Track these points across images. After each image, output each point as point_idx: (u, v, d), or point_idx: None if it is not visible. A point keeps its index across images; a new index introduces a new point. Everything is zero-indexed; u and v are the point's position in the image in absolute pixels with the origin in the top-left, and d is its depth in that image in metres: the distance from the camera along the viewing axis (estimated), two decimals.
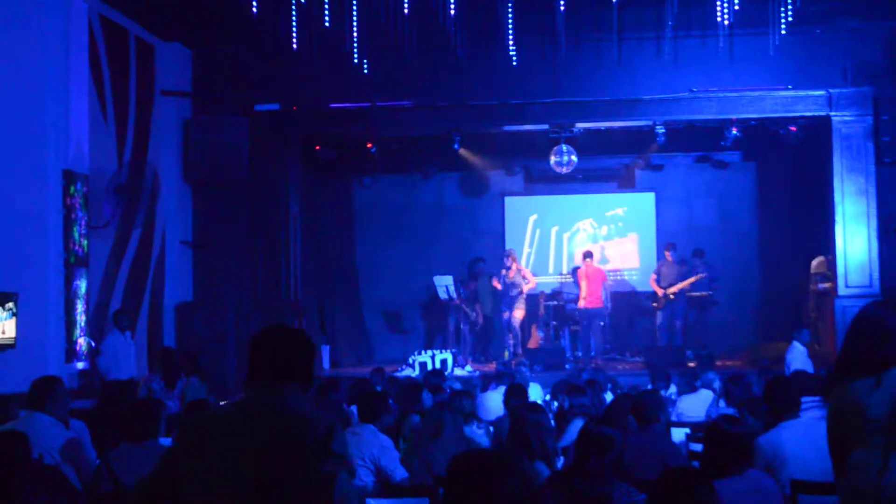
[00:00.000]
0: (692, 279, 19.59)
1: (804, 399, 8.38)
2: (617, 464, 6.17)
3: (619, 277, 21.94)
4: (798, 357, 15.38)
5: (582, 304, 19.85)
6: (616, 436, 6.27)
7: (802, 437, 6.93)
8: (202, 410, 5.27)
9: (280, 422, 4.12)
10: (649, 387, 12.95)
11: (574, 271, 20.94)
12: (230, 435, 4.10)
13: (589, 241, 22.11)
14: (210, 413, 4.46)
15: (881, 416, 4.71)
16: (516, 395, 10.39)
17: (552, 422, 10.08)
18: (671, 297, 19.70)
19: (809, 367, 14.58)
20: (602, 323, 19.99)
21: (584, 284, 19.87)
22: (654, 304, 20.20)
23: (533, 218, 22.51)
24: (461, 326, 20.17)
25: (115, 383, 14.28)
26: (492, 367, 18.15)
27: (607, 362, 19.02)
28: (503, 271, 19.93)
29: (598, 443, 6.16)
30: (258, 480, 3.97)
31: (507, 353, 19.56)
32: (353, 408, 11.04)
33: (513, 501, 3.90)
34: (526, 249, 22.20)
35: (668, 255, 20.24)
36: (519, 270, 19.98)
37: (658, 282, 20.09)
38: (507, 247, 21.32)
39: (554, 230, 22.45)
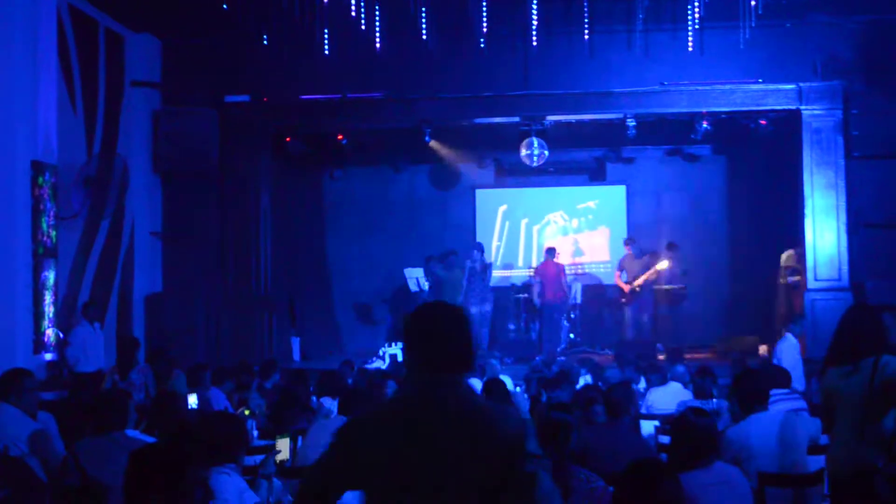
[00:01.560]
0: (651, 271, 19.60)
1: (773, 392, 8.44)
2: (577, 452, 6.19)
3: (589, 270, 22.00)
4: (788, 350, 15.26)
5: (538, 299, 20.02)
6: (571, 421, 6.29)
7: (770, 430, 6.98)
8: (368, 409, 5.02)
9: (475, 420, 3.80)
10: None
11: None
12: (421, 435, 3.76)
13: (559, 233, 22.18)
14: (383, 411, 4.07)
15: (856, 395, 5.92)
16: (494, 393, 9.57)
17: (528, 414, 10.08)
18: (637, 289, 19.72)
19: (800, 360, 14.60)
20: (571, 316, 20.08)
21: (541, 279, 20.08)
22: (623, 300, 20.21)
23: (503, 210, 22.52)
24: None
25: (84, 375, 14.21)
26: None
27: (575, 355, 19.01)
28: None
29: (553, 430, 6.19)
30: (459, 482, 3.70)
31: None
32: (323, 399, 11.06)
33: None
34: (495, 242, 22.22)
35: (627, 248, 20.32)
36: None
37: (623, 277, 20.12)
38: (478, 239, 21.40)
39: (524, 223, 22.48)
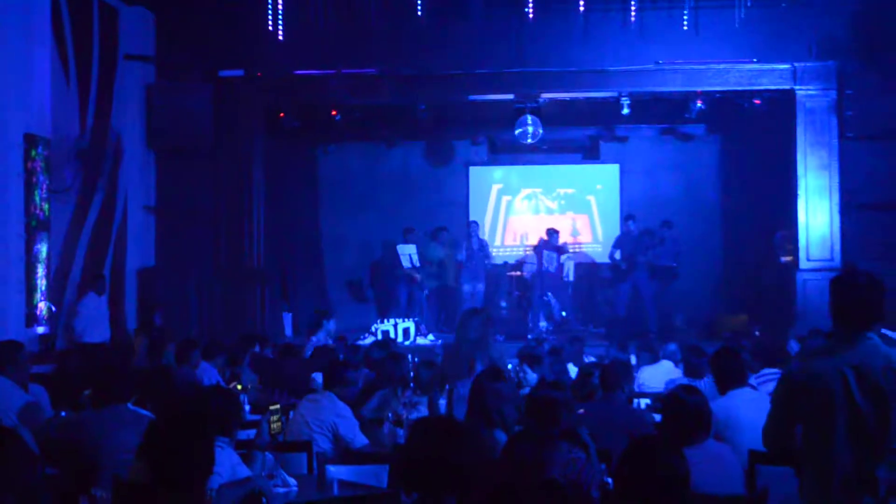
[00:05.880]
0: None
1: (765, 371, 8.48)
2: (566, 430, 6.20)
3: (579, 249, 22.00)
4: None
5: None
6: (560, 399, 6.31)
7: (759, 407, 6.97)
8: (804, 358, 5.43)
9: None
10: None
11: None
12: (861, 378, 4.89)
13: (555, 211, 22.19)
14: (822, 357, 5.17)
15: None
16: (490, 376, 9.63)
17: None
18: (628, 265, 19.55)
19: None
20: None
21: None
22: (618, 279, 20.10)
23: (497, 187, 22.55)
24: (423, 295, 20.16)
25: (91, 345, 14.25)
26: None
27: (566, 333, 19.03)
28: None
29: (538, 408, 6.23)
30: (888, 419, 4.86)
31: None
32: (315, 375, 11.05)
33: (466, 467, 3.92)
34: (489, 219, 22.25)
35: (627, 225, 20.22)
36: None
37: (617, 254, 19.97)
38: (472, 217, 21.43)
39: (515, 199, 22.49)
